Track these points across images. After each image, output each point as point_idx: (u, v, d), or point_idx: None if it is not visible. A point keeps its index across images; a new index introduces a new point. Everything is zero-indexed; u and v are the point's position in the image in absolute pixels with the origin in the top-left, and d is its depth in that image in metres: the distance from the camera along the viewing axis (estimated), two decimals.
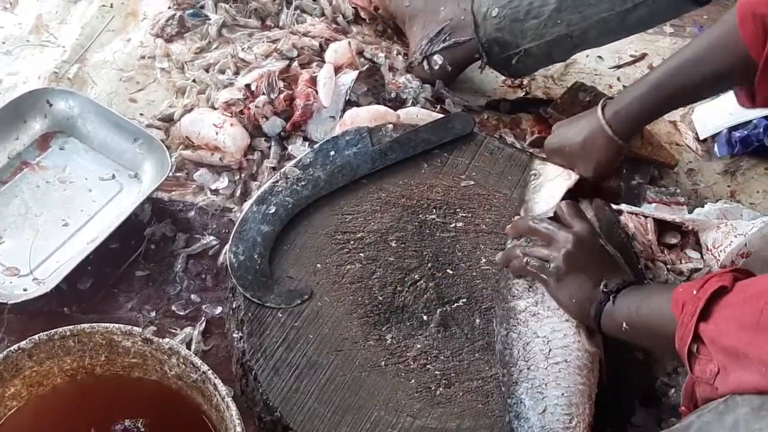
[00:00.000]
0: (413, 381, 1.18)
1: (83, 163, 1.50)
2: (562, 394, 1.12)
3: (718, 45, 1.16)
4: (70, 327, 1.02)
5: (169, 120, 1.60)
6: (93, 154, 1.51)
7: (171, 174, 1.46)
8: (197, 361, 1.01)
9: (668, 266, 1.45)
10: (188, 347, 1.30)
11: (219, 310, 1.36)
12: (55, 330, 1.03)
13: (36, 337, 1.03)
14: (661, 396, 1.32)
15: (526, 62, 1.60)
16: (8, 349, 1.01)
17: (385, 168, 1.39)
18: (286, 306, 1.22)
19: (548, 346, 1.16)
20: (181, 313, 1.36)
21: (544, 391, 1.12)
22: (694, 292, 0.93)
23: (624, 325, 1.09)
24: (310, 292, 1.24)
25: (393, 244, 1.31)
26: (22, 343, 1.02)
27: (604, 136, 1.29)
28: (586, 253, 1.18)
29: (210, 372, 1.01)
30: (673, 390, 1.31)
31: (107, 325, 1.03)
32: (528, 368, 1.15)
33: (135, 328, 1.04)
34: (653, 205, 1.54)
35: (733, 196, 1.64)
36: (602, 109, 1.30)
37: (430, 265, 1.30)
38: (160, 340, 1.03)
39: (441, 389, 1.18)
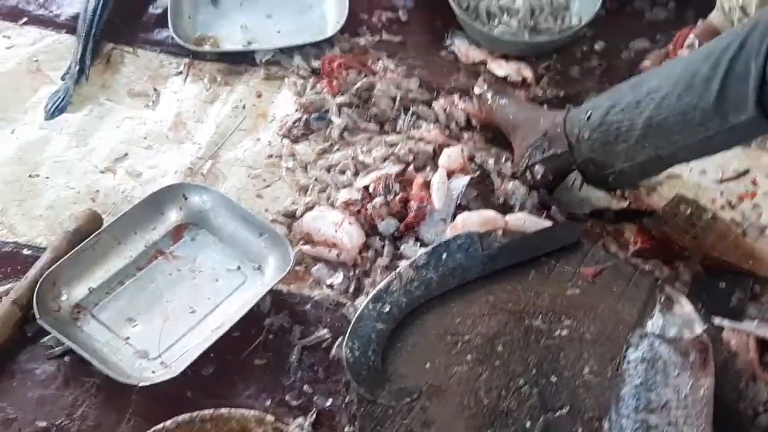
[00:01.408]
0: None
1: (212, 254, 1.61)
2: None
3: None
4: (210, 410, 1.11)
5: (291, 216, 1.71)
6: (221, 246, 1.61)
7: (292, 267, 1.56)
8: None
9: None
10: None
11: (329, 402, 1.42)
12: (197, 412, 1.11)
13: (179, 417, 1.11)
14: None
15: (621, 180, 1.66)
16: (154, 428, 1.09)
17: (494, 273, 1.46)
18: (397, 403, 1.29)
19: None
20: (294, 404, 1.41)
21: None
22: None
23: None
24: (419, 390, 1.31)
25: (499, 349, 1.37)
26: (167, 423, 1.11)
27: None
28: None
29: None
30: None
31: (243, 411, 1.11)
32: None
33: (268, 416, 1.11)
34: (755, 321, 1.56)
35: None
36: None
37: (534, 371, 1.35)
38: (289, 427, 1.10)
39: None
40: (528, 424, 1.29)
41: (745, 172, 1.88)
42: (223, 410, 1.12)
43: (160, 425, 1.11)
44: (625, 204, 1.75)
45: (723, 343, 1.42)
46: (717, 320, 1.48)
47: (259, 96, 1.96)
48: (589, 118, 1.61)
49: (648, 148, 1.55)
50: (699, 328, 1.31)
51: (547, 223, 1.56)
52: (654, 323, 1.33)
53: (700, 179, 1.83)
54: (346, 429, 1.29)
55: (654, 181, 1.79)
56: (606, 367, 1.36)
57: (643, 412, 1.24)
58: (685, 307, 1.35)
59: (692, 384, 1.26)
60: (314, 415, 1.39)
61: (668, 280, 1.59)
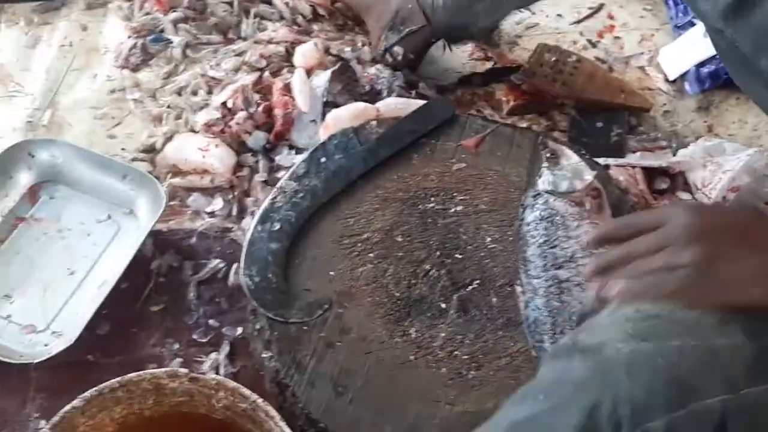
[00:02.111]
0: (444, 369, 1.22)
1: (76, 208, 1.50)
2: None
3: None
4: (118, 379, 1.05)
5: (152, 150, 1.61)
6: (85, 198, 1.51)
7: (166, 204, 1.47)
8: (246, 391, 1.04)
9: None
10: (217, 372, 1.32)
11: (239, 330, 1.38)
12: (104, 384, 1.06)
13: (87, 394, 1.05)
14: None
15: (485, 32, 1.63)
16: (63, 410, 1.04)
17: (377, 165, 1.41)
18: (309, 319, 1.25)
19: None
20: (203, 340, 1.38)
21: None
22: None
23: None
24: (329, 300, 1.27)
25: (399, 239, 1.34)
26: (75, 402, 1.05)
27: None
28: (721, 228, 0.88)
29: (260, 400, 1.04)
30: None
31: (154, 371, 1.06)
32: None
33: (181, 369, 1.07)
34: (637, 153, 1.58)
35: (711, 131, 1.68)
36: None
37: (438, 253, 1.33)
38: (206, 377, 1.06)
39: (472, 372, 1.22)
40: (444, 305, 1.28)
41: (600, 8, 1.88)
42: (132, 374, 1.06)
43: (68, 406, 1.04)
44: (490, 65, 1.73)
45: (613, 182, 1.43)
46: (602, 161, 1.49)
47: (85, 29, 1.82)
48: None
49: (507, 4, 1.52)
50: (588, 175, 1.31)
51: (419, 102, 1.52)
52: (544, 180, 1.32)
53: (558, 24, 1.82)
54: (264, 355, 1.24)
55: (513, 35, 1.76)
56: (506, 232, 1.35)
57: (551, 269, 1.24)
58: (571, 158, 1.35)
59: (593, 231, 1.27)
60: (227, 347, 1.36)
61: (547, 132, 1.59)
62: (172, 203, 1.53)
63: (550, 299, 1.23)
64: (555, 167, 1.33)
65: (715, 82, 1.72)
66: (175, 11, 1.79)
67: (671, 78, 1.76)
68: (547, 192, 1.30)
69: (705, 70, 1.72)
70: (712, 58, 1.71)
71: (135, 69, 1.74)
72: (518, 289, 1.27)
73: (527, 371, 1.22)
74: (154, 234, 1.47)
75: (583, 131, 1.64)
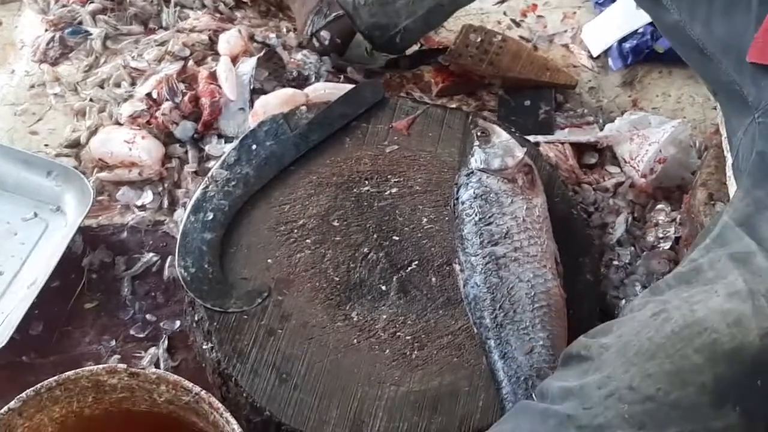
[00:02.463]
0: (388, 351, 1.22)
1: (1, 207, 1.46)
2: (547, 336, 1.18)
3: None
4: (55, 378, 1.02)
5: (76, 145, 1.57)
6: (8, 197, 1.47)
7: (93, 200, 1.44)
8: (188, 384, 1.03)
9: (594, 186, 1.52)
10: (156, 366, 1.30)
11: (177, 324, 1.36)
12: (41, 384, 1.03)
13: (23, 394, 1.02)
14: (613, 309, 1.39)
15: (408, 37, 1.63)
16: None
17: (309, 151, 1.40)
18: (249, 307, 1.23)
19: (532, 290, 1.21)
20: (141, 336, 1.35)
21: (531, 333, 1.18)
22: None
23: None
24: (268, 288, 1.25)
25: (336, 224, 1.33)
26: (11, 404, 1.01)
27: None
28: None
29: (203, 392, 1.02)
30: (623, 300, 1.39)
31: (92, 368, 1.04)
32: (514, 311, 1.20)
33: (120, 365, 1.04)
34: (566, 130, 1.61)
35: (636, 105, 1.71)
36: None
37: (375, 236, 1.32)
38: (146, 371, 1.04)
39: (416, 352, 1.23)
40: (384, 288, 1.28)
41: None
42: (69, 372, 1.03)
43: (5, 408, 1.01)
44: (417, 47, 1.73)
45: (543, 159, 1.45)
46: (531, 138, 1.51)
47: None
48: None
49: None
50: (519, 152, 1.32)
51: (348, 87, 1.51)
52: (476, 159, 1.32)
53: (481, 5, 1.83)
54: (204, 346, 1.23)
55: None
56: (442, 212, 1.35)
57: (488, 246, 1.25)
58: (501, 135, 1.36)
59: (526, 206, 1.28)
60: (166, 342, 1.34)
61: (476, 112, 1.60)
62: (100, 198, 1.50)
63: (489, 276, 1.24)
64: (486, 145, 1.33)
65: (637, 57, 1.75)
66: (92, 2, 1.74)
67: (595, 54, 1.79)
68: (479, 170, 1.31)
69: (627, 45, 1.75)
70: (634, 33, 1.74)
71: (54, 63, 1.69)
72: (456, 267, 1.28)
73: (470, 348, 1.23)
74: (83, 230, 1.44)
75: (511, 110, 1.66)
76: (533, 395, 1.01)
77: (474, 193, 1.30)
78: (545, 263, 1.24)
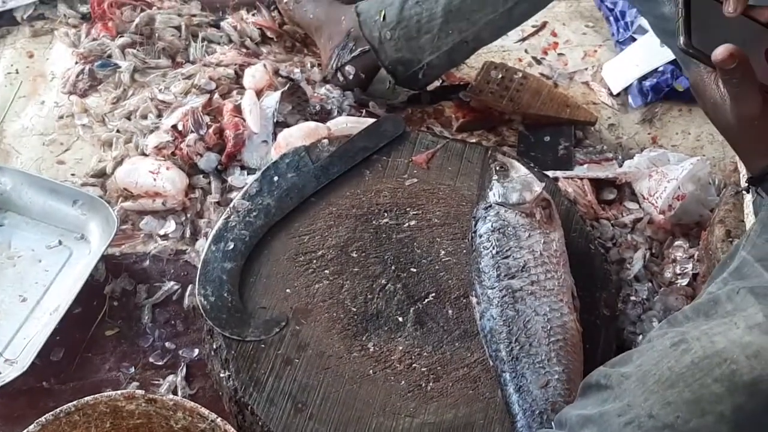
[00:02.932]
0: (403, 382, 1.23)
1: (26, 235, 1.49)
2: (563, 370, 1.18)
3: None
4: (74, 402, 1.04)
5: (102, 175, 1.60)
6: (34, 224, 1.50)
7: (117, 228, 1.46)
8: (204, 411, 1.04)
9: (612, 222, 1.52)
10: (174, 394, 1.31)
11: (196, 352, 1.37)
12: (59, 408, 1.04)
13: (42, 419, 1.04)
14: (630, 344, 1.39)
15: (431, 73, 1.66)
16: None
17: (330, 183, 1.41)
18: (266, 336, 1.25)
19: (549, 324, 1.21)
20: (160, 363, 1.37)
21: (546, 366, 1.18)
22: None
23: None
24: (286, 318, 1.27)
25: (354, 255, 1.34)
26: (31, 428, 1.03)
27: None
28: None
29: (219, 419, 1.03)
30: (640, 336, 1.38)
31: (110, 393, 1.05)
32: (530, 344, 1.21)
33: (138, 391, 1.05)
34: (585, 165, 1.62)
35: (655, 142, 1.72)
36: None
37: (393, 267, 1.33)
38: (164, 397, 1.05)
39: (431, 384, 1.23)
40: (400, 319, 1.29)
41: (543, 26, 1.92)
42: (88, 398, 1.05)
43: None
44: (438, 83, 1.75)
45: (561, 194, 1.45)
46: (551, 173, 1.52)
47: (31, 56, 1.81)
48: (384, 18, 1.59)
49: (452, 33, 1.56)
50: (538, 186, 1.33)
51: (369, 121, 1.53)
52: (495, 192, 1.33)
53: (503, 42, 1.85)
54: (222, 374, 1.24)
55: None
56: (460, 245, 1.36)
57: (505, 279, 1.26)
58: (520, 170, 1.37)
59: (544, 241, 1.29)
60: (184, 369, 1.35)
61: (496, 147, 1.61)
62: (124, 227, 1.52)
63: (505, 309, 1.24)
64: (505, 180, 1.35)
65: (657, 95, 1.77)
66: (122, 36, 1.79)
67: (615, 92, 1.80)
68: (498, 204, 1.32)
69: (647, 83, 1.77)
70: (654, 71, 1.76)
71: (83, 95, 1.73)
72: (473, 300, 1.28)
73: (485, 381, 1.23)
74: (106, 258, 1.46)
75: (531, 146, 1.67)
76: (552, 423, 1.01)
77: (492, 226, 1.31)
78: (562, 297, 1.24)
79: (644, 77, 1.77)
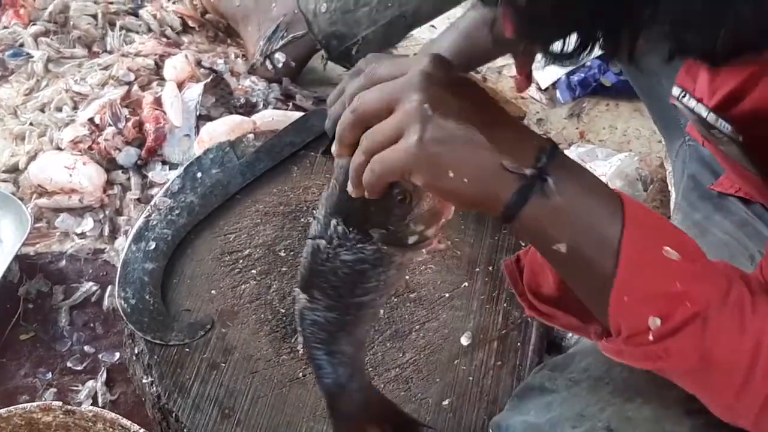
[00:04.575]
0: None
1: None
2: None
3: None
4: None
5: (14, 170, 1.52)
6: None
7: (31, 227, 1.39)
8: (125, 422, 0.99)
9: None
10: (94, 400, 1.26)
11: (117, 356, 1.32)
12: None
13: None
14: (560, 341, 1.38)
15: (365, 50, 1.62)
16: None
17: (256, 179, 1.38)
18: (190, 340, 1.20)
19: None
20: (79, 368, 1.31)
21: None
22: None
23: (561, 245, 0.68)
24: (211, 320, 1.22)
25: (282, 254, 1.31)
26: None
27: None
28: (456, 89, 0.69)
29: (142, 430, 0.98)
30: (570, 334, 1.38)
31: (25, 405, 1.00)
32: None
33: (55, 402, 1.00)
34: None
35: (583, 137, 1.73)
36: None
37: None
38: (83, 409, 1.00)
39: None
40: None
41: None
42: (1, 410, 0.99)
43: None
44: None
45: None
46: None
47: None
48: None
49: (392, 6, 1.52)
50: None
51: (297, 115, 1.49)
52: None
53: (431, 35, 1.82)
54: (144, 380, 1.19)
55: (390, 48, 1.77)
56: None
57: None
58: None
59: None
60: (104, 374, 1.30)
61: None
62: (38, 225, 1.46)
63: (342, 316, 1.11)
64: None
65: (584, 89, 1.77)
66: (35, 24, 1.72)
67: (543, 86, 1.80)
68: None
69: (575, 78, 1.77)
70: (582, 66, 1.76)
71: None
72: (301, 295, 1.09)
73: (417, 382, 1.21)
74: (20, 258, 1.39)
75: None
76: (490, 429, 0.96)
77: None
78: None
79: (572, 72, 1.77)
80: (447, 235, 1.35)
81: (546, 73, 1.80)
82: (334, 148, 0.73)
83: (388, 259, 0.78)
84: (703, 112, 0.85)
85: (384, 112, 0.68)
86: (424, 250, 0.80)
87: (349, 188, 0.72)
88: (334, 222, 0.78)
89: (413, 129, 0.65)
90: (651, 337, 0.67)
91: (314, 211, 0.84)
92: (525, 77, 1.31)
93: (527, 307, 0.83)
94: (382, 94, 0.68)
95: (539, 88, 1.80)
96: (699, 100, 0.86)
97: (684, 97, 0.87)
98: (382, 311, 1.27)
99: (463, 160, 0.65)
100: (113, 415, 1.01)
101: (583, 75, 1.76)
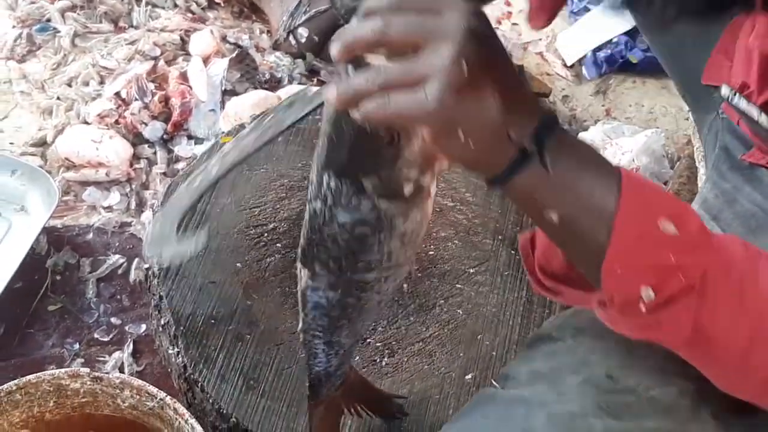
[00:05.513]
0: (357, 357, 1.20)
1: None
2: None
3: None
4: (15, 381, 1.00)
5: (42, 144, 1.54)
6: None
7: (59, 200, 1.41)
8: (152, 389, 1.00)
9: None
10: (121, 371, 1.28)
11: (143, 327, 1.34)
12: (0, 387, 1.00)
13: None
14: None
15: None
16: None
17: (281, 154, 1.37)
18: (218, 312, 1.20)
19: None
20: (105, 339, 1.33)
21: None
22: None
23: (553, 214, 0.68)
24: (237, 292, 1.22)
25: None
26: None
27: None
28: (490, 52, 0.65)
29: (168, 397, 1.00)
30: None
31: (54, 371, 1.01)
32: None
33: (82, 369, 1.02)
34: None
35: (609, 114, 1.72)
36: None
37: None
38: (110, 376, 1.02)
39: (386, 359, 1.21)
40: None
41: None
42: (30, 376, 1.01)
43: None
44: None
45: None
46: None
47: None
48: None
49: None
50: None
51: None
52: None
53: None
54: (170, 351, 1.20)
55: None
56: None
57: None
58: None
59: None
60: (131, 345, 1.32)
61: None
62: (65, 198, 1.47)
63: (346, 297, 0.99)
64: None
65: (611, 66, 1.76)
66: (62, 0, 1.72)
67: (569, 63, 1.79)
68: None
69: (601, 54, 1.76)
70: (608, 42, 1.75)
71: (21, 60, 1.66)
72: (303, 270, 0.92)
73: (440, 356, 1.21)
74: (47, 231, 1.41)
75: None
76: (494, 381, 0.94)
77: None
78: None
79: (598, 48, 1.76)
80: (449, 193, 1.34)
81: (572, 50, 1.79)
82: (335, 49, 0.66)
83: (387, 222, 0.75)
84: (755, 114, 0.85)
85: (409, 47, 0.63)
86: (426, 213, 0.77)
87: (339, 105, 0.65)
88: (326, 177, 0.74)
89: (440, 85, 0.61)
90: (643, 308, 0.67)
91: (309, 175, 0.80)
92: (543, 8, 0.91)
93: (534, 282, 0.83)
94: (416, 28, 0.63)
95: (565, 65, 1.79)
96: (748, 98, 0.85)
97: (734, 97, 0.86)
98: (405, 285, 1.27)
99: (476, 127, 0.64)
100: (140, 382, 1.02)
101: (609, 51, 1.75)
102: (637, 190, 0.68)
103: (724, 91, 0.87)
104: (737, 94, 0.86)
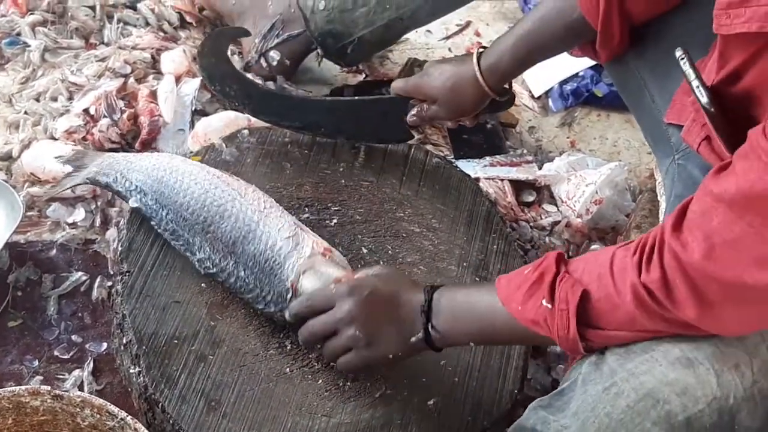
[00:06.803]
0: (321, 381, 1.20)
1: None
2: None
3: (562, 9, 1.22)
4: None
5: (7, 158, 1.52)
6: None
7: (23, 215, 1.39)
8: (114, 408, 0.99)
9: (531, 224, 1.53)
10: (80, 389, 1.27)
11: (104, 346, 1.33)
12: None
13: None
14: (545, 347, 1.40)
15: (361, 50, 1.63)
16: None
17: (251, 175, 1.38)
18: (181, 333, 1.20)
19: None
20: (65, 357, 1.32)
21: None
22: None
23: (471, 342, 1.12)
24: (200, 313, 1.22)
25: None
26: None
27: (476, 86, 1.27)
28: (379, 297, 1.13)
29: (129, 417, 0.99)
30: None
31: (13, 388, 1.00)
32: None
33: (43, 387, 1.00)
34: (505, 167, 1.62)
35: (574, 146, 1.74)
36: (477, 60, 1.28)
37: None
38: (71, 394, 1.01)
39: (349, 383, 1.21)
40: None
41: (467, 25, 1.92)
42: None
43: None
44: (361, 77, 1.73)
45: (483, 194, 1.45)
46: (472, 173, 1.51)
47: None
48: None
49: (389, 9, 1.52)
50: None
51: None
52: None
53: (427, 39, 1.85)
54: (132, 370, 1.19)
55: (385, 50, 1.78)
56: (382, 243, 1.35)
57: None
58: None
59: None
60: (91, 364, 1.31)
61: (419, 144, 1.60)
62: (29, 213, 1.46)
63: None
64: None
65: (577, 98, 1.79)
66: (33, 14, 1.71)
67: (536, 95, 1.82)
68: None
69: (568, 87, 1.79)
70: (575, 76, 1.78)
71: None
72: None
73: (403, 381, 1.22)
74: (10, 246, 1.39)
75: (459, 132, 1.64)
76: None
77: None
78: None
79: (565, 81, 1.79)
80: (416, 219, 1.40)
81: (539, 82, 1.81)
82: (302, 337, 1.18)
83: None
84: (691, 76, 0.91)
85: (331, 332, 1.14)
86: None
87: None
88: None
89: (358, 348, 1.12)
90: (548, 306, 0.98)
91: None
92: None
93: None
94: (326, 326, 1.14)
95: (532, 96, 1.82)
96: (694, 68, 0.91)
97: (683, 60, 0.91)
98: None
99: (387, 346, 1.13)
100: (101, 401, 1.01)
101: (575, 84, 1.78)
102: (502, 281, 1.05)
103: (677, 52, 0.92)
104: (685, 59, 0.91)
